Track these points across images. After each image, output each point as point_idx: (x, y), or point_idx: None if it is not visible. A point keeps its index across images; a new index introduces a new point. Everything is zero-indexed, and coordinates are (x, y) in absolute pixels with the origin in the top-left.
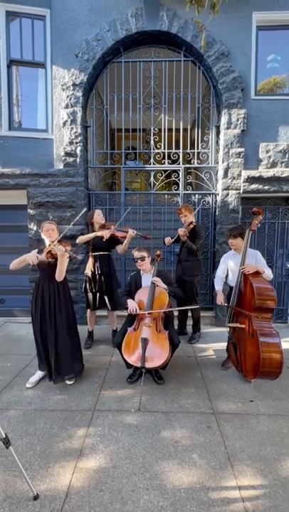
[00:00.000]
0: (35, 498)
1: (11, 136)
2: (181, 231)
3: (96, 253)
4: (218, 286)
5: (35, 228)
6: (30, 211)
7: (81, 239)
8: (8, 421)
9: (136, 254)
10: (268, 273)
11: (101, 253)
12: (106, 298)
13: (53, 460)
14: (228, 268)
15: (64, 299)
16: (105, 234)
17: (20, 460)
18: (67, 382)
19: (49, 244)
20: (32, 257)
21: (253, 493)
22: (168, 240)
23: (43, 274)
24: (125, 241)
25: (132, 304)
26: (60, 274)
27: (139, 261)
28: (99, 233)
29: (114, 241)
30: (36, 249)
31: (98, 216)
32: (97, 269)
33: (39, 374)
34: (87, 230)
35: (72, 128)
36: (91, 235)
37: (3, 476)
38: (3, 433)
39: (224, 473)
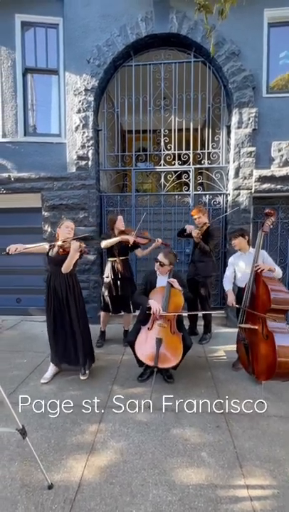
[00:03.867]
0: (50, 487)
1: (26, 141)
2: (194, 233)
3: (119, 258)
4: (228, 286)
5: (49, 230)
6: (45, 213)
7: (105, 244)
8: (25, 414)
9: (160, 257)
10: (278, 271)
11: (122, 258)
12: (122, 301)
13: (67, 453)
14: (236, 268)
15: (75, 291)
16: (130, 239)
17: (36, 451)
18: (81, 377)
19: (63, 241)
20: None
21: (262, 493)
22: (190, 227)
23: (54, 270)
24: (149, 249)
25: (155, 306)
26: (67, 267)
27: (157, 264)
28: (125, 238)
29: (133, 246)
30: (47, 244)
31: (120, 222)
32: (119, 274)
33: (53, 370)
34: (99, 233)
35: (84, 132)
36: (116, 240)
37: (20, 466)
38: (20, 424)
39: (233, 472)
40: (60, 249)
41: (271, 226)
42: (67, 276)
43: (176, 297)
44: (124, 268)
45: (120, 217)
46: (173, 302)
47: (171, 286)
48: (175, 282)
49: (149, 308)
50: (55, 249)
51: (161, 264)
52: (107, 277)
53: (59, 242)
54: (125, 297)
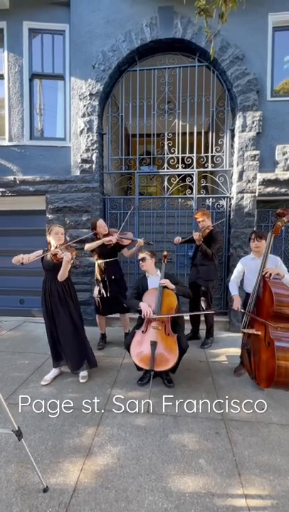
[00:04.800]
0: (45, 490)
1: (31, 145)
2: (196, 235)
3: (103, 260)
4: (234, 290)
5: None
6: (49, 216)
7: (88, 247)
8: (24, 416)
9: (139, 255)
10: (288, 278)
11: (107, 260)
12: (114, 302)
13: (63, 456)
14: (245, 273)
15: (70, 297)
16: (113, 239)
17: (33, 454)
18: (81, 380)
19: (56, 247)
20: (24, 257)
21: (260, 503)
22: (177, 239)
23: (48, 275)
24: (133, 249)
25: (145, 308)
26: (61, 276)
27: (141, 262)
28: (106, 239)
29: (119, 247)
30: (41, 250)
31: (100, 227)
32: (106, 276)
33: (54, 372)
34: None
35: (88, 136)
36: (98, 243)
37: (17, 468)
38: (16, 426)
39: (231, 480)
40: (53, 257)
41: (283, 227)
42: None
43: (168, 298)
44: (112, 269)
45: (100, 222)
46: (166, 303)
47: (164, 287)
48: (167, 283)
49: (141, 311)
50: (48, 256)
51: (143, 260)
52: (96, 279)
53: (53, 249)
54: (115, 298)
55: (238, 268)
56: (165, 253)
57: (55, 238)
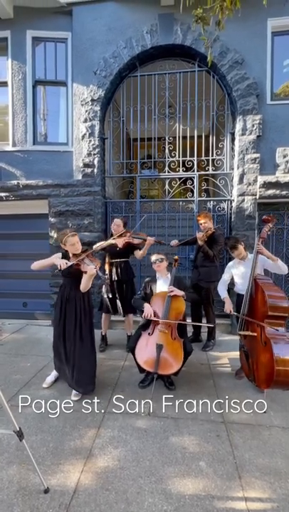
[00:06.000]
0: (46, 491)
1: (35, 150)
2: (199, 234)
3: (112, 260)
4: (224, 293)
5: (55, 235)
6: (51, 219)
7: (97, 246)
8: (25, 417)
9: (155, 256)
10: (281, 264)
11: (117, 260)
12: (120, 303)
13: (64, 457)
14: (235, 275)
15: (87, 310)
16: (119, 242)
17: (34, 455)
18: (72, 398)
19: (79, 255)
20: (62, 262)
21: (260, 506)
22: (174, 242)
23: (67, 282)
24: (144, 248)
25: (148, 309)
26: (84, 288)
27: (157, 262)
28: (114, 241)
29: (131, 248)
30: (60, 253)
31: (114, 225)
32: (114, 276)
33: (54, 375)
34: (105, 239)
35: (90, 140)
36: (106, 243)
37: (18, 469)
38: (18, 426)
39: (231, 483)
40: (75, 266)
41: (269, 232)
42: (80, 291)
43: (177, 303)
44: (119, 271)
45: (115, 220)
46: (174, 308)
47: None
48: (176, 290)
49: (143, 311)
50: (70, 263)
51: (159, 260)
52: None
53: (74, 261)
54: (121, 299)
55: (227, 271)
56: (176, 257)
57: (72, 249)
